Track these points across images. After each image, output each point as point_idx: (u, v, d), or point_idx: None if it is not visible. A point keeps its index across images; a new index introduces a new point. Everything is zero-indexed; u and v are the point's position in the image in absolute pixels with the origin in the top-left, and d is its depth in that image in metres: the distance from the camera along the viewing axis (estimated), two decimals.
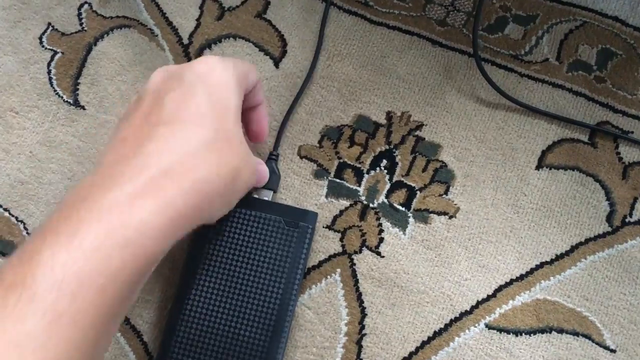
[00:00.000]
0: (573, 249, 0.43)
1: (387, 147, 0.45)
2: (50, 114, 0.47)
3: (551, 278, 0.42)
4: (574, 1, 0.47)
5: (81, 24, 0.49)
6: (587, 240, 0.43)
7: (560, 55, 0.46)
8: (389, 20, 0.47)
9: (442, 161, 0.44)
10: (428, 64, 0.47)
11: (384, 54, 0.47)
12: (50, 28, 0.49)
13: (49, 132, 0.46)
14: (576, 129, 0.45)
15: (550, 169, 0.44)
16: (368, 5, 0.48)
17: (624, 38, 0.46)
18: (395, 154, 0.44)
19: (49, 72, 0.48)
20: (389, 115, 0.45)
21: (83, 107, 0.47)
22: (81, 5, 0.49)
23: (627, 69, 0.46)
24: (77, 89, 0.47)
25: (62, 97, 0.47)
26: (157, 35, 0.48)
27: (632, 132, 0.44)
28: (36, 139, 0.46)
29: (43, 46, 0.48)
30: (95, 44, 0.48)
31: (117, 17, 0.49)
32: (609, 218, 0.43)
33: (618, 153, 0.44)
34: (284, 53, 0.47)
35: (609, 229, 0.43)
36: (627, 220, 0.43)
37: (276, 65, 0.47)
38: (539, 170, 0.44)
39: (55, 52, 0.48)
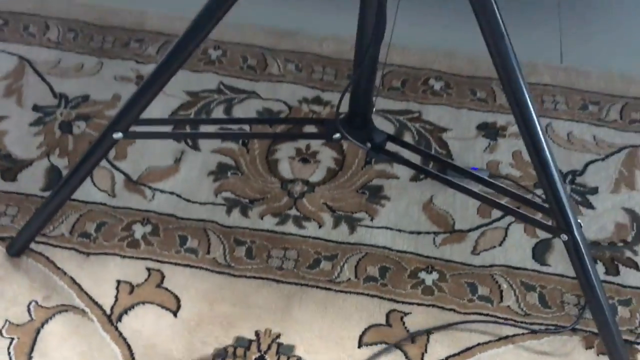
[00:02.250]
0: None
1: (259, 354, 0.66)
2: None
3: None
4: (349, 240, 0.76)
5: (30, 315, 0.69)
6: None
7: (357, 274, 0.73)
8: (246, 272, 0.73)
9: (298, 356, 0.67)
10: (277, 294, 0.71)
11: (247, 293, 0.71)
12: (8, 323, 0.68)
13: None
14: (378, 315, 0.70)
15: (367, 345, 0.68)
16: (230, 267, 0.74)
17: (392, 258, 0.75)
18: (265, 357, 0.66)
19: (9, 353, 0.66)
20: (257, 333, 0.68)
21: None
22: (30, 303, 0.70)
23: (399, 275, 0.74)
24: None
25: None
26: (87, 312, 0.69)
27: (411, 313, 0.70)
28: None
29: (2, 336, 0.67)
30: (42, 327, 0.68)
31: (57, 305, 0.69)
32: None
33: (405, 327, 0.69)
34: (179, 307, 0.70)
35: None
36: None
37: (175, 315, 0.69)
38: (360, 348, 0.68)
39: (13, 339, 0.67)
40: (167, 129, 0.82)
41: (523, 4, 1.06)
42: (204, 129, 0.86)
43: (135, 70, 0.91)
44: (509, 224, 0.78)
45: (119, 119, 0.61)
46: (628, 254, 0.77)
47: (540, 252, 0.76)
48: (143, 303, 0.70)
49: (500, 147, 0.86)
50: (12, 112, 0.86)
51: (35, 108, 0.86)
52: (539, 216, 0.63)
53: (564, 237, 0.57)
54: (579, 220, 0.58)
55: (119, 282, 0.72)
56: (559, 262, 0.75)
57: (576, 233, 0.57)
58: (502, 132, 0.87)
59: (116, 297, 0.70)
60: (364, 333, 0.69)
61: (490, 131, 0.87)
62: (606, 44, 1.01)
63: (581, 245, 0.57)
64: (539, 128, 0.55)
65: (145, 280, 0.72)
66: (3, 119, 0.85)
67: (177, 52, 0.58)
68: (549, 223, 0.59)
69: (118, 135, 0.62)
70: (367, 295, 0.72)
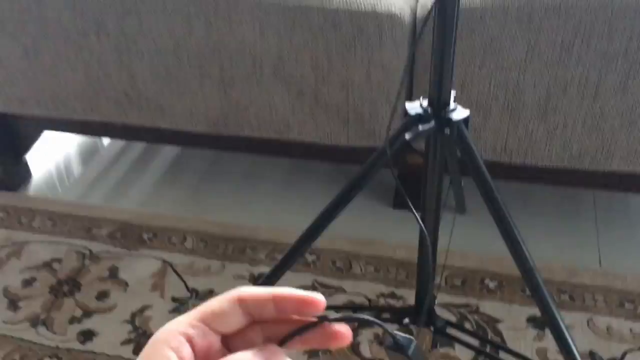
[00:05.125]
0: None
1: None
2: None
3: None
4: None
5: None
6: None
7: None
8: None
9: None
10: None
11: None
12: None
13: None
14: None
15: None
16: None
17: None
18: None
19: None
20: None
21: None
22: None
23: None
24: None
25: None
26: None
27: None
28: None
29: None
30: None
31: None
32: None
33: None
34: None
35: None
36: None
37: None
38: None
39: None
40: None
41: (563, 214, 1.28)
42: None
43: (249, 270, 1.17)
44: None
45: None
46: None
47: None
48: None
49: (547, 336, 1.01)
50: (156, 302, 1.12)
51: (174, 299, 1.12)
52: None
53: None
54: None
55: None
56: None
57: None
58: None
59: None
60: None
61: (538, 322, 1.04)
62: (635, 249, 1.19)
63: None
64: (555, 311, 0.73)
65: None
66: (148, 307, 1.11)
67: (291, 254, 0.82)
68: None
69: None
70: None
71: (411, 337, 0.39)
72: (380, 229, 1.27)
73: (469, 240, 1.21)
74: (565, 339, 0.73)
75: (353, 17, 0.98)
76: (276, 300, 0.35)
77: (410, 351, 0.39)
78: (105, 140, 1.62)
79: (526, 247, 0.74)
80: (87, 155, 1.57)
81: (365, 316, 0.37)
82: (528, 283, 0.75)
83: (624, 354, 0.98)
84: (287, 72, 1.05)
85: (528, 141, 1.03)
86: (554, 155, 1.03)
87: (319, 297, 0.35)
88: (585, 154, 1.02)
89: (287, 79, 1.06)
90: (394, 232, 1.25)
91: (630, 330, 1.02)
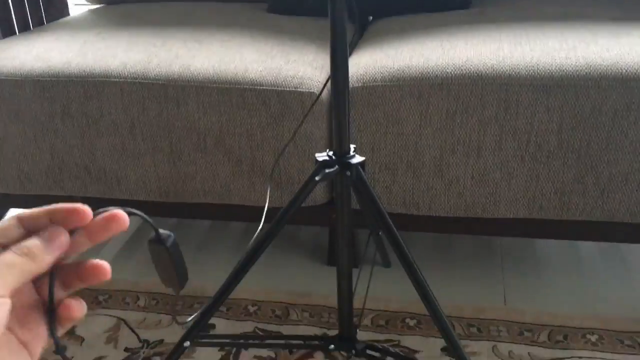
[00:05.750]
0: None
1: None
2: None
3: None
4: None
5: None
6: None
7: None
8: None
9: None
10: None
11: None
12: None
13: None
14: None
15: None
16: None
17: None
18: None
19: None
20: None
21: None
22: None
23: None
24: None
25: None
26: None
27: None
28: None
29: None
30: None
31: None
32: None
33: None
34: None
35: None
36: None
37: None
38: None
39: None
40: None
41: (474, 259, 1.46)
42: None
43: None
44: None
45: (190, 333, 0.98)
46: None
47: None
48: None
49: None
50: (110, 353, 1.22)
51: (126, 349, 1.23)
52: None
53: None
54: None
55: None
56: None
57: None
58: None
59: None
60: None
61: (451, 351, 1.19)
62: (536, 289, 1.38)
63: None
64: (454, 336, 0.89)
65: None
66: (103, 358, 1.21)
67: (230, 282, 0.97)
68: None
69: (187, 343, 0.98)
70: None
71: (171, 233, 0.47)
72: (316, 283, 1.42)
73: (392, 287, 1.38)
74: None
75: (280, 96, 1.19)
76: (50, 213, 0.42)
77: (168, 243, 0.47)
78: None
79: (423, 276, 0.92)
80: None
81: (136, 210, 0.45)
82: (431, 312, 0.92)
83: None
84: (227, 144, 1.24)
85: (430, 194, 1.22)
86: (452, 206, 1.23)
87: (85, 207, 0.42)
88: (477, 203, 1.22)
89: (227, 150, 1.25)
90: (327, 285, 1.41)
91: (529, 354, 1.18)
